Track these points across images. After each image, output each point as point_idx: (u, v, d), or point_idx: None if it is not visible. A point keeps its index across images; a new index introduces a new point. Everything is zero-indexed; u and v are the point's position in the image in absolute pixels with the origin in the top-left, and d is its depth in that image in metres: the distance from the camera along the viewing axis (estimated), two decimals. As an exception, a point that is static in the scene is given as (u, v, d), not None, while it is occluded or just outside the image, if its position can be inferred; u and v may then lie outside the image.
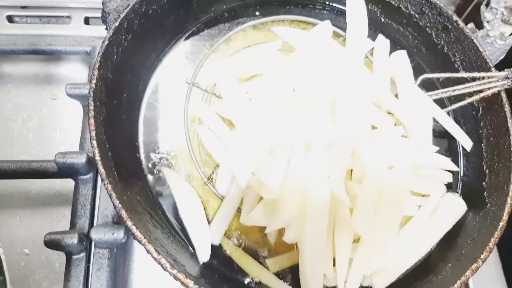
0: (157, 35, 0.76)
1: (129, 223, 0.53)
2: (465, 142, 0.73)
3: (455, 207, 0.68)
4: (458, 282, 0.56)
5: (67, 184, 0.77)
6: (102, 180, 0.55)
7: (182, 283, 0.52)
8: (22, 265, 0.74)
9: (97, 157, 0.56)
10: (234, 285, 0.63)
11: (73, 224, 0.71)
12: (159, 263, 0.53)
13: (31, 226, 0.76)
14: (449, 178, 0.70)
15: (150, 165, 0.70)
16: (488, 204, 0.67)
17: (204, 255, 0.62)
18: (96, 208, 0.73)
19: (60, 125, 0.84)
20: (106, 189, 0.55)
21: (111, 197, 0.54)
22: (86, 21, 0.91)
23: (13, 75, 0.88)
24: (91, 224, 0.72)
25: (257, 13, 0.84)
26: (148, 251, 0.53)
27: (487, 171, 0.71)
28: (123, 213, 0.54)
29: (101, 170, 0.55)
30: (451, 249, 0.65)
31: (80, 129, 0.79)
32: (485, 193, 0.69)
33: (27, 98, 0.86)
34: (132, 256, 0.73)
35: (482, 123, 0.74)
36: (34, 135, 0.83)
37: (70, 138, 0.82)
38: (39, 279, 0.73)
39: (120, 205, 0.54)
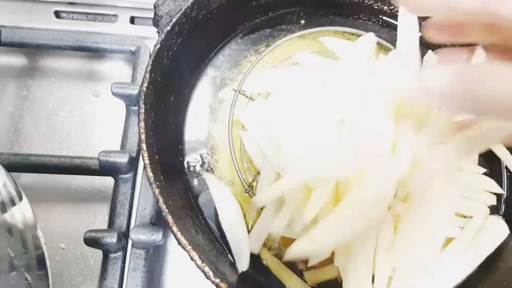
0: (204, 40, 0.76)
1: (174, 228, 0.54)
2: (510, 162, 0.72)
3: (497, 230, 0.66)
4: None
5: (106, 181, 0.78)
6: (150, 183, 0.55)
7: (225, 294, 0.52)
8: (58, 259, 0.75)
9: (146, 161, 0.56)
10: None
11: (111, 222, 0.72)
12: (203, 271, 0.53)
13: (68, 221, 0.77)
14: (493, 201, 0.68)
15: (192, 169, 0.70)
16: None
17: (243, 264, 0.62)
18: (134, 208, 0.74)
19: (101, 122, 0.85)
20: (154, 193, 0.55)
21: (158, 202, 0.55)
22: (132, 20, 0.92)
23: (57, 70, 0.89)
24: (128, 224, 0.72)
25: (302, 21, 0.84)
26: (192, 258, 0.53)
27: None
28: (169, 218, 0.54)
29: (150, 174, 0.56)
30: (492, 273, 0.64)
31: (122, 127, 0.80)
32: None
33: (70, 93, 0.87)
34: (166, 257, 0.74)
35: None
36: (75, 131, 0.84)
37: (110, 136, 0.83)
38: (74, 274, 0.74)
39: (166, 210, 0.54)
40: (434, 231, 0.61)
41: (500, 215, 0.71)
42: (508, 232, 0.66)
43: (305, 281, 0.63)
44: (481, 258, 0.65)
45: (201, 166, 0.70)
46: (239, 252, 0.63)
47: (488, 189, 0.69)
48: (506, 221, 0.68)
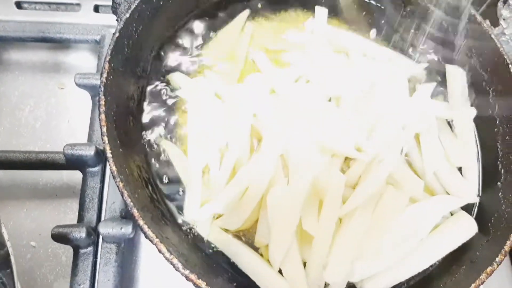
0: (164, 25, 0.75)
1: (141, 221, 0.52)
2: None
3: (466, 226, 0.66)
4: (473, 285, 0.55)
5: (75, 176, 0.76)
6: (114, 177, 0.54)
7: (195, 284, 0.51)
8: (29, 257, 0.73)
9: (109, 154, 0.55)
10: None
11: (80, 218, 0.70)
12: (171, 263, 0.52)
13: (38, 218, 0.75)
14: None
15: (156, 153, 0.69)
16: (503, 206, 0.65)
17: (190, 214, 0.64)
18: (104, 202, 0.72)
19: (67, 115, 0.83)
20: (118, 186, 0.54)
21: (122, 195, 0.53)
22: (96, 9, 0.89)
23: (20, 62, 0.86)
24: (98, 218, 0.71)
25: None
26: (160, 251, 0.52)
27: (502, 171, 0.69)
28: (135, 211, 0.52)
29: (113, 167, 0.54)
30: (465, 251, 0.64)
31: (89, 120, 0.78)
32: (500, 193, 0.68)
33: (35, 86, 0.85)
34: (139, 251, 0.72)
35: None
36: (41, 125, 0.81)
37: (78, 128, 0.81)
38: (46, 272, 0.72)
39: (132, 203, 0.53)
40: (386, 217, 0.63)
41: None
42: (476, 230, 0.65)
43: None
44: (444, 252, 0.65)
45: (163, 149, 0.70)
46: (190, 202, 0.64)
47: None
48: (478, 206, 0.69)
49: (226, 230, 0.65)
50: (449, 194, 0.70)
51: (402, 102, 0.73)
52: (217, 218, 0.65)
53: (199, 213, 0.64)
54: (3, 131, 0.81)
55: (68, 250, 0.72)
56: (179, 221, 0.64)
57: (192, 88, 0.72)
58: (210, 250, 0.63)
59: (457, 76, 0.76)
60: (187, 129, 0.71)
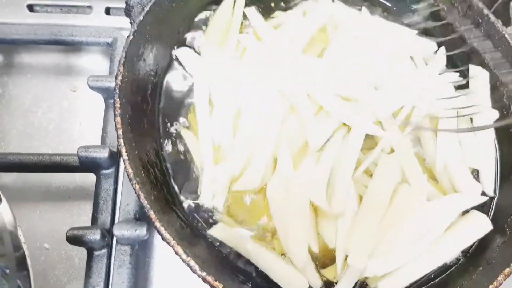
0: (177, 25, 0.75)
1: (157, 224, 0.52)
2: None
3: (480, 224, 0.66)
4: (490, 286, 0.55)
5: (88, 178, 0.76)
6: (130, 180, 0.54)
7: (212, 285, 0.50)
8: (42, 260, 0.73)
9: (125, 156, 0.55)
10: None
11: (94, 220, 0.70)
12: (188, 265, 0.51)
13: (51, 221, 0.75)
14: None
15: (169, 154, 0.69)
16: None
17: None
18: (117, 204, 0.72)
19: (80, 118, 0.83)
20: (134, 189, 0.54)
21: (139, 197, 0.53)
22: (107, 11, 0.89)
23: (33, 65, 0.87)
24: (112, 220, 0.71)
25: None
26: (177, 253, 0.52)
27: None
28: (152, 213, 0.52)
29: (129, 170, 0.54)
30: (481, 252, 0.63)
31: (101, 122, 0.78)
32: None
33: (47, 89, 0.85)
34: (153, 253, 0.72)
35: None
36: (54, 127, 0.82)
37: (90, 131, 0.81)
38: (59, 274, 0.72)
39: (148, 205, 0.53)
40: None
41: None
42: (491, 227, 0.65)
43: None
44: (460, 248, 0.65)
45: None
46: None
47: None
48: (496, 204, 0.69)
49: (236, 220, 0.65)
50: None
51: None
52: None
53: (215, 180, 0.65)
54: (16, 133, 0.81)
55: (82, 252, 0.72)
56: (195, 223, 0.64)
57: (198, 63, 0.73)
58: (228, 250, 0.63)
59: (480, 77, 0.76)
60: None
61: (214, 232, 0.63)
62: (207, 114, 0.70)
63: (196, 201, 0.66)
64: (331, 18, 0.79)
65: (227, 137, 0.68)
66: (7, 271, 0.51)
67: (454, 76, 0.77)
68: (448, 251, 0.64)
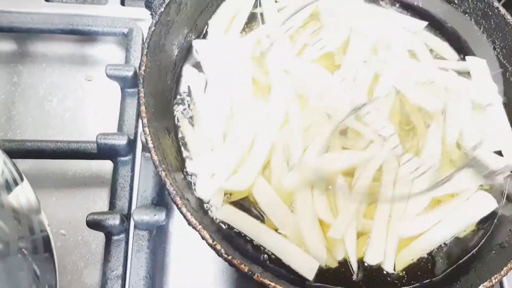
0: (198, 15, 0.76)
1: (183, 209, 0.53)
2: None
3: (485, 203, 0.68)
4: (505, 268, 0.57)
5: (104, 165, 0.77)
6: (156, 167, 0.55)
7: (238, 268, 0.52)
8: (59, 245, 0.74)
9: (150, 145, 0.56)
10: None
11: (112, 205, 0.71)
12: (215, 249, 0.52)
13: (68, 207, 0.76)
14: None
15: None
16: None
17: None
18: (134, 190, 0.73)
19: (95, 107, 0.84)
20: (161, 175, 0.55)
21: (165, 184, 0.54)
22: (122, 2, 0.91)
23: (48, 55, 0.88)
24: (130, 206, 0.72)
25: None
26: (203, 238, 0.53)
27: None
28: (178, 199, 0.54)
29: (155, 157, 0.55)
30: (494, 237, 0.65)
31: (116, 112, 0.79)
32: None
33: (62, 78, 0.86)
34: (169, 239, 0.73)
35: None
36: (69, 116, 0.83)
37: (106, 119, 0.82)
38: (76, 259, 0.73)
39: (174, 191, 0.54)
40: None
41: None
42: (496, 205, 0.67)
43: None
44: (466, 223, 0.67)
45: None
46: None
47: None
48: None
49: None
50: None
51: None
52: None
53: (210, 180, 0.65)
54: (31, 122, 0.82)
55: (98, 238, 0.73)
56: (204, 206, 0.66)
57: (211, 52, 0.75)
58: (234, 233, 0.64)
59: (478, 66, 0.78)
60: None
61: (221, 214, 0.64)
62: (204, 107, 0.71)
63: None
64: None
65: (218, 135, 0.69)
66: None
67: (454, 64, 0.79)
68: (457, 223, 0.67)
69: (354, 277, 0.62)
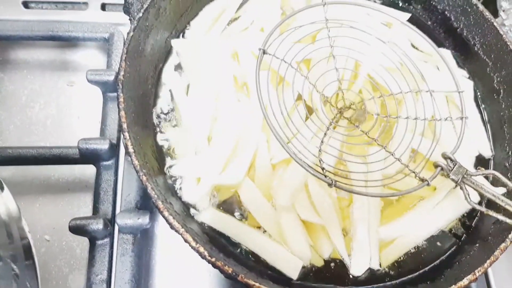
0: (177, 19, 0.76)
1: (166, 213, 0.53)
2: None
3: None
4: (488, 261, 0.57)
5: (87, 170, 0.77)
6: (137, 171, 0.55)
7: (221, 270, 0.52)
8: (43, 251, 0.73)
9: (131, 149, 0.56)
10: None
11: (96, 210, 0.71)
12: (198, 251, 0.52)
13: (51, 213, 0.76)
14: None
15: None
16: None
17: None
18: (118, 194, 0.73)
19: (78, 112, 0.83)
20: (142, 180, 0.55)
21: (147, 188, 0.54)
22: (103, 7, 0.90)
23: (29, 61, 0.87)
24: (113, 210, 0.72)
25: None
26: (186, 241, 0.53)
27: (510, 153, 0.72)
28: (160, 203, 0.54)
29: (135, 162, 0.55)
30: (477, 232, 0.66)
31: (99, 117, 0.79)
32: (509, 174, 0.70)
33: (44, 85, 0.85)
34: (154, 242, 0.73)
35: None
36: (52, 122, 0.82)
37: (88, 124, 0.82)
38: (61, 265, 0.73)
39: (156, 195, 0.54)
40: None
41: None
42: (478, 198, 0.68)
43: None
44: (453, 216, 0.68)
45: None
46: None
47: None
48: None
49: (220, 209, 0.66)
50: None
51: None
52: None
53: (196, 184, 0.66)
54: (14, 129, 0.81)
55: (82, 243, 0.73)
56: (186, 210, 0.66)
57: (190, 51, 0.75)
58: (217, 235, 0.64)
59: (447, 57, 0.79)
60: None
61: (204, 217, 0.64)
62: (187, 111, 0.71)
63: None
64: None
65: (203, 138, 0.69)
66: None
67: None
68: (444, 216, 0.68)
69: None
